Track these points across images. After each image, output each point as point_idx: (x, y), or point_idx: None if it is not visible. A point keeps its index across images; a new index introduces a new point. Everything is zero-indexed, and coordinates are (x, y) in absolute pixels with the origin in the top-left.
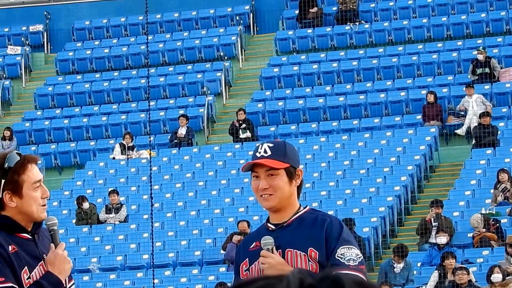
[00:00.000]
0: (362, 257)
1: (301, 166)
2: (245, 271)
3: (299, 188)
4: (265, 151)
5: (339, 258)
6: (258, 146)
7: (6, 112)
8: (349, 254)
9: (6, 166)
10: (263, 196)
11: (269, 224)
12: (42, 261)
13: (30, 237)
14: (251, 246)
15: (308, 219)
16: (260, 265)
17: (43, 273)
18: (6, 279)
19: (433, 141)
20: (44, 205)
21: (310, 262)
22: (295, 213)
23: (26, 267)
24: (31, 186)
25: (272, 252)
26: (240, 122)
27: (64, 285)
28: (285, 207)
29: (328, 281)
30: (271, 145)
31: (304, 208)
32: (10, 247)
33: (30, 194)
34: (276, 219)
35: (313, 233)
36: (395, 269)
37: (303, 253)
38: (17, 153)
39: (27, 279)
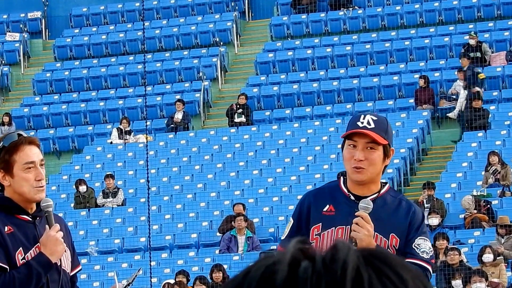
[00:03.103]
0: (433, 250)
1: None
2: (315, 235)
3: (384, 167)
4: (369, 123)
5: (415, 248)
6: (360, 115)
7: (5, 98)
8: (424, 246)
9: (1, 145)
10: (356, 168)
11: (350, 193)
12: (39, 243)
13: (30, 219)
14: (325, 209)
15: (392, 203)
16: (352, 227)
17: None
18: None
19: (425, 124)
20: (41, 187)
21: (389, 249)
22: (378, 191)
23: (21, 248)
24: (22, 167)
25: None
26: (238, 106)
27: (63, 268)
28: (372, 182)
29: (328, 251)
30: (374, 118)
31: (384, 185)
32: (6, 227)
33: (21, 174)
34: (358, 191)
35: (397, 219)
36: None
37: (384, 238)
38: (17, 133)
39: (21, 259)
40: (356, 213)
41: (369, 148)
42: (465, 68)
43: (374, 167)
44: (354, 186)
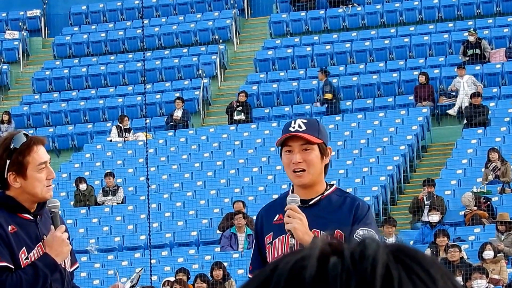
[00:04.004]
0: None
1: None
2: (268, 244)
3: (326, 167)
4: (300, 126)
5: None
6: (291, 121)
7: (5, 96)
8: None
9: (12, 147)
10: (296, 171)
11: None
12: (41, 243)
13: (31, 218)
14: (275, 219)
15: (337, 201)
16: (285, 220)
17: (41, 254)
18: (2, 259)
19: (425, 121)
20: (49, 186)
21: None
22: (323, 192)
23: (24, 248)
24: (36, 168)
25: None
26: (238, 104)
27: (62, 267)
28: (315, 184)
29: (357, 247)
30: (305, 121)
31: (331, 186)
32: (9, 227)
33: (34, 175)
34: (303, 195)
35: (342, 215)
36: None
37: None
38: (24, 134)
39: (25, 259)
40: (285, 208)
41: (304, 150)
42: (322, 83)
43: (313, 167)
44: (300, 191)
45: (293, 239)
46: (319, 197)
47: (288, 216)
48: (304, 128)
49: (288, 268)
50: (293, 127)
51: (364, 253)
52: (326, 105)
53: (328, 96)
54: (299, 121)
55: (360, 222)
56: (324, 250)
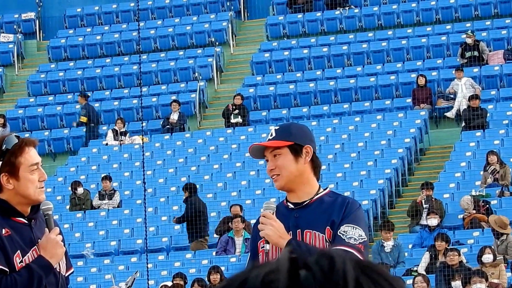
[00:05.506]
0: (366, 239)
1: None
2: (261, 248)
3: (316, 167)
4: (271, 134)
5: (341, 235)
6: None
7: None
8: (352, 233)
9: (3, 148)
10: (272, 177)
11: (288, 203)
12: (36, 246)
13: (26, 221)
14: None
15: (328, 201)
16: (259, 227)
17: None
18: None
19: (423, 124)
20: (42, 188)
21: (327, 243)
22: (315, 194)
23: (19, 251)
24: (28, 169)
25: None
26: (234, 107)
27: (57, 270)
28: (298, 186)
29: (323, 260)
30: (277, 127)
31: (325, 189)
32: (3, 230)
33: (27, 176)
34: (295, 198)
35: (332, 213)
36: (385, 249)
37: (321, 234)
38: (15, 135)
39: (19, 262)
40: (261, 214)
41: (274, 156)
42: (81, 106)
43: (286, 170)
44: (290, 195)
45: (268, 245)
46: (309, 199)
47: (262, 223)
48: (274, 135)
49: (259, 281)
50: (267, 137)
51: (333, 267)
52: (84, 127)
53: (83, 119)
54: (272, 129)
55: (347, 218)
56: (291, 264)
